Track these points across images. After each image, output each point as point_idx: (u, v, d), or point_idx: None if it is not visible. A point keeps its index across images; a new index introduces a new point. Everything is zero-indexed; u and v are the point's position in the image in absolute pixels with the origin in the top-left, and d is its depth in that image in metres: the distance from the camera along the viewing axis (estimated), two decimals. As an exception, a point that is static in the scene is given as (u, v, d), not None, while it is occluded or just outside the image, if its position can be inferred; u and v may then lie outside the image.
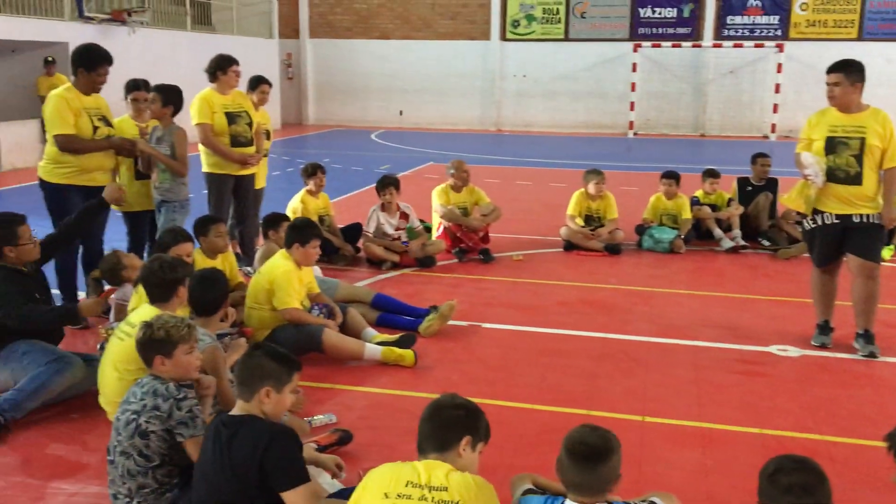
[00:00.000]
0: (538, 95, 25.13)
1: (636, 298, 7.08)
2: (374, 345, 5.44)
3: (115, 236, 6.60)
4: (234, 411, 3.04)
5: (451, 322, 6.08)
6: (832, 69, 5.48)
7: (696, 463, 4.11)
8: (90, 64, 5.96)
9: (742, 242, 8.87)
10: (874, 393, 5.07)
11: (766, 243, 8.88)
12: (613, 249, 8.67)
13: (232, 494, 2.89)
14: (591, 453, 2.59)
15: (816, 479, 2.46)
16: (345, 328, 5.63)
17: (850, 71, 5.43)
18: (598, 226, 8.90)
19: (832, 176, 5.45)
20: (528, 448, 4.22)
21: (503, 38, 25.00)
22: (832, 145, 5.47)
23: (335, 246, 7.91)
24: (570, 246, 8.80)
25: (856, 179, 5.44)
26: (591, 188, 8.87)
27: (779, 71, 22.50)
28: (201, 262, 5.57)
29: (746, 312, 6.69)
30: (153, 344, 3.39)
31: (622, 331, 6.18)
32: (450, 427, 2.76)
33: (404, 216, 8.09)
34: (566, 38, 24.57)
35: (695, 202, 9.24)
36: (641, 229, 9.06)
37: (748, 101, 23.56)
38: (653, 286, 7.47)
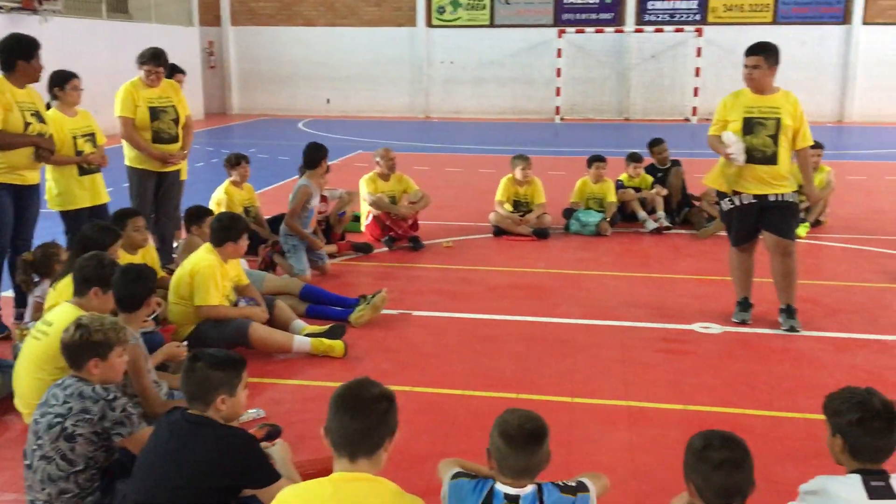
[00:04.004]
0: (466, 82, 25.15)
1: (564, 281, 7.18)
2: (302, 336, 5.39)
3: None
4: (193, 411, 3.00)
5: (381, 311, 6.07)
6: (751, 52, 5.62)
7: (624, 441, 4.20)
8: (29, 53, 5.59)
9: (666, 223, 9.09)
10: (792, 367, 5.25)
11: (667, 222, 9.11)
12: (542, 234, 8.76)
13: (181, 490, 2.85)
14: (531, 438, 2.62)
15: (742, 454, 2.53)
16: (273, 320, 5.56)
17: (768, 54, 5.59)
18: (526, 211, 8.98)
19: (749, 156, 5.60)
20: (461, 433, 4.24)
21: (429, 24, 24.92)
22: (749, 126, 5.62)
23: (262, 237, 7.78)
24: (499, 231, 8.86)
25: (772, 159, 5.60)
26: (518, 174, 8.94)
27: (698, 55, 23.01)
28: (122, 258, 5.41)
29: (670, 292, 6.85)
30: (89, 346, 3.29)
31: (551, 314, 6.26)
32: (378, 425, 2.52)
33: (324, 199, 8.05)
34: (492, 25, 24.63)
35: (619, 185, 9.40)
36: (569, 213, 9.18)
37: (670, 85, 24.06)
38: (580, 269, 7.58)
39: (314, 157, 7.43)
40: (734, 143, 5.59)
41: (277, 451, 3.29)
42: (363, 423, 2.48)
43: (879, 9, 22.52)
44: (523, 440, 2.60)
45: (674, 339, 5.73)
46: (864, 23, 22.56)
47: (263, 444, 3.58)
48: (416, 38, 24.96)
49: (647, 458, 4.01)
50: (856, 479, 2.63)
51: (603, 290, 6.92)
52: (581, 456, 4.01)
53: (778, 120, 5.57)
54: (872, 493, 2.59)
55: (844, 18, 22.75)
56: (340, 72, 25.52)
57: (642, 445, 4.15)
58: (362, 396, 2.53)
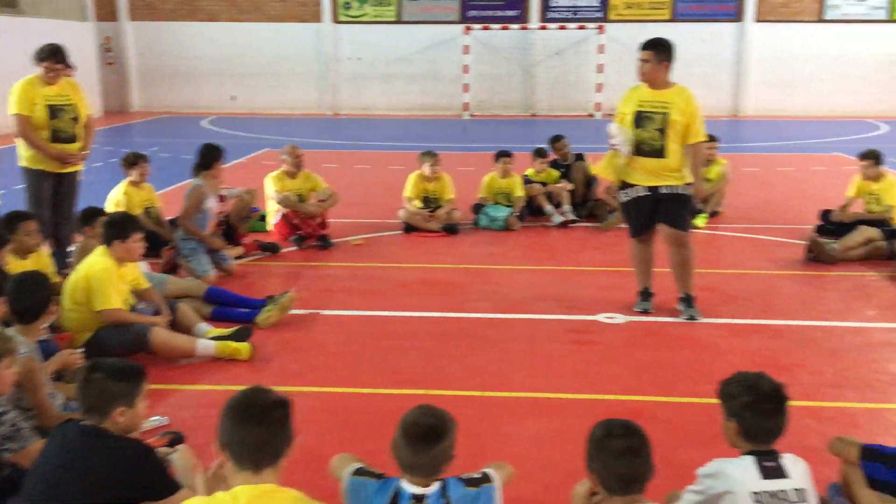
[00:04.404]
0: (374, 78, 25.02)
1: (474, 276, 7.23)
2: (207, 340, 5.25)
3: None
4: (87, 422, 2.89)
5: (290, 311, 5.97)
6: (643, 47, 5.79)
7: (532, 432, 4.26)
8: None
9: (571, 217, 9.27)
10: (692, 353, 5.43)
11: (572, 215, 9.28)
12: (451, 229, 8.80)
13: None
14: (426, 435, 2.61)
15: (641, 442, 2.60)
16: (175, 324, 5.41)
17: (658, 49, 5.74)
18: (436, 207, 9.01)
19: (639, 149, 5.77)
20: (368, 433, 4.20)
21: (335, 20, 24.66)
22: (639, 119, 5.77)
23: (164, 238, 7.54)
24: (409, 228, 8.86)
25: (660, 152, 5.74)
26: (427, 170, 8.95)
27: (600, 52, 23.52)
28: (12, 264, 5.16)
29: (576, 284, 6.99)
30: None
31: (461, 309, 6.30)
32: (279, 431, 2.45)
33: (222, 198, 7.85)
34: (399, 21, 24.57)
35: (526, 180, 9.54)
36: (478, 208, 9.25)
37: (574, 81, 24.50)
38: (489, 263, 7.65)
39: (208, 158, 7.29)
40: (617, 134, 5.78)
41: (179, 459, 3.20)
42: (266, 431, 2.42)
43: (770, 6, 23.52)
44: (417, 437, 2.61)
45: (580, 330, 5.85)
46: (757, 20, 23.53)
47: (164, 449, 3.50)
48: (322, 34, 24.67)
49: (555, 448, 4.08)
50: (749, 461, 2.74)
51: (511, 283, 7.01)
52: (491, 448, 4.04)
53: (665, 115, 5.69)
54: (765, 473, 2.70)
55: (738, 16, 23.66)
56: (245, 68, 24.99)
57: (550, 436, 4.21)
58: (261, 404, 2.46)
